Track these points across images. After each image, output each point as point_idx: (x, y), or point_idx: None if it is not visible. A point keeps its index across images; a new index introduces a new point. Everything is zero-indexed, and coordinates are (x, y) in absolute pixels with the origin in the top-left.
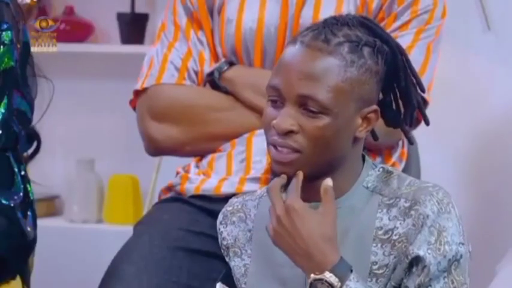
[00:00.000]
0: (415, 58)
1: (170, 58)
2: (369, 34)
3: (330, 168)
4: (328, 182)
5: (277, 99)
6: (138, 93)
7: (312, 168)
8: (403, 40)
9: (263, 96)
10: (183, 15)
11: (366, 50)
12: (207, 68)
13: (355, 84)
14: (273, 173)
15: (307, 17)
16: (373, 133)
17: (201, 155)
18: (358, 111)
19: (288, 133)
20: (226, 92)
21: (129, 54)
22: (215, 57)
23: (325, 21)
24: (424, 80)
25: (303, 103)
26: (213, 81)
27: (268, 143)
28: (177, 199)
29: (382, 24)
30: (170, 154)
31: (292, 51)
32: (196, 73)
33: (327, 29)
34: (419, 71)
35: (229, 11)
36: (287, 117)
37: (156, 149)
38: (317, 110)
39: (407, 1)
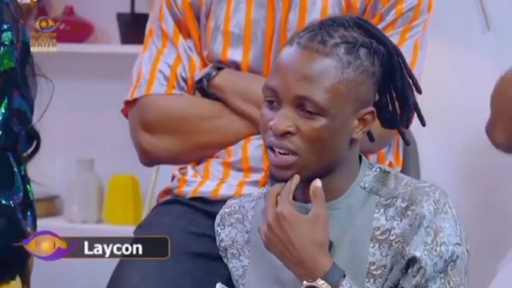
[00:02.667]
0: None
1: (159, 66)
2: (365, 35)
3: (327, 169)
4: (317, 183)
5: (274, 100)
6: (129, 103)
7: (310, 171)
8: None
9: (252, 103)
10: (170, 20)
11: (362, 51)
12: (198, 73)
13: (351, 85)
14: (271, 176)
15: (293, 21)
16: (369, 134)
17: (196, 162)
18: (355, 113)
19: (285, 134)
20: (217, 98)
21: (129, 55)
22: (204, 62)
23: (322, 22)
24: None
25: (300, 104)
26: (202, 88)
27: (266, 146)
28: (176, 201)
29: None
30: (165, 164)
31: (289, 53)
32: (185, 80)
33: (324, 30)
34: None
35: (216, 17)
36: (284, 119)
37: (150, 160)
38: (314, 111)
39: (392, 0)
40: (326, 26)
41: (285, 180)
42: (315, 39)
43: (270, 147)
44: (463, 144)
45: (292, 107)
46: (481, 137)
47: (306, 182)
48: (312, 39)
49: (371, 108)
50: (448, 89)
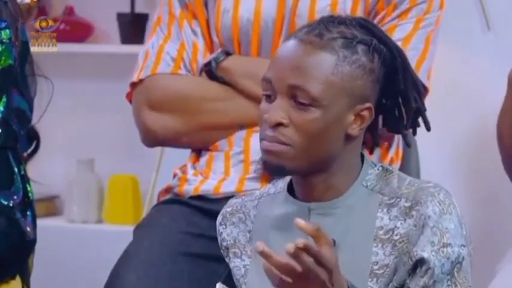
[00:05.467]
0: (415, 46)
1: (166, 49)
2: (366, 34)
3: (322, 164)
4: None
5: (271, 93)
6: (134, 86)
7: (302, 163)
8: (403, 28)
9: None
10: (178, 6)
11: (360, 47)
12: (201, 58)
13: (346, 78)
14: (264, 164)
15: (304, 9)
16: (374, 137)
17: (198, 146)
18: (351, 108)
19: (278, 126)
20: (223, 82)
21: (129, 54)
22: (210, 48)
23: (322, 18)
24: (424, 67)
25: (293, 95)
26: (210, 71)
27: (260, 138)
28: (176, 201)
29: (381, 14)
30: (167, 145)
31: (286, 46)
32: (191, 63)
33: (322, 25)
34: (419, 58)
35: (225, 1)
36: (278, 110)
37: (153, 139)
38: (307, 102)
39: None
40: (326, 22)
41: (276, 168)
42: (312, 33)
43: (263, 139)
44: (463, 143)
45: (286, 98)
46: (481, 136)
47: (303, 177)
48: (309, 33)
49: (368, 104)
50: (448, 89)
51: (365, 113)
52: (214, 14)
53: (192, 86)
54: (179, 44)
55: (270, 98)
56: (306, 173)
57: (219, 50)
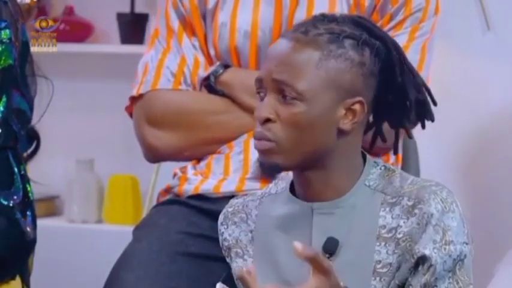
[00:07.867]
0: (411, 57)
1: (166, 63)
2: (359, 30)
3: (316, 159)
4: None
5: (262, 91)
6: (134, 100)
7: (293, 158)
8: (398, 40)
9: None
10: (176, 19)
11: (348, 42)
12: (202, 72)
13: (332, 72)
14: (260, 164)
15: (300, 18)
16: (381, 134)
17: (200, 158)
18: (340, 102)
19: (266, 122)
20: (223, 95)
21: (128, 55)
22: (209, 61)
23: (313, 17)
24: None
25: (280, 90)
26: (209, 85)
27: (254, 137)
28: (175, 201)
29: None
30: (169, 160)
31: (274, 45)
32: (192, 77)
33: (310, 23)
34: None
35: (223, 14)
36: (266, 106)
37: (154, 155)
38: (292, 96)
39: (401, 0)
40: (315, 20)
41: (270, 167)
42: (298, 30)
43: (254, 137)
44: (462, 143)
45: (274, 94)
46: (481, 136)
47: (301, 174)
48: (296, 30)
49: (358, 98)
50: (448, 89)
51: (356, 107)
52: (212, 27)
53: (192, 101)
54: (180, 58)
55: (262, 97)
56: (300, 167)
57: (217, 63)
